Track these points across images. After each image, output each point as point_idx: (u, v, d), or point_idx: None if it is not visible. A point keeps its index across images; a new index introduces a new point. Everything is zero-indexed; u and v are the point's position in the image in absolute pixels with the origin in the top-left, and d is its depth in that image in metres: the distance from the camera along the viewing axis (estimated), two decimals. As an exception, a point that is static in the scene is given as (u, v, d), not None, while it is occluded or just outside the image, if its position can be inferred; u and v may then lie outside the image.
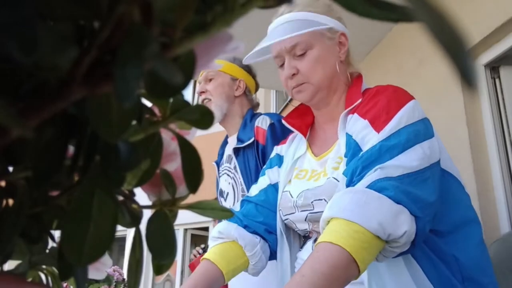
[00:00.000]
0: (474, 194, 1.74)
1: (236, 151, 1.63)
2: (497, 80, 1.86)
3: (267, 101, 5.46)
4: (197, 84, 1.79)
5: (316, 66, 1.06)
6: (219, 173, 1.76)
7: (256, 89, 1.82)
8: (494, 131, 1.79)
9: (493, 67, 1.86)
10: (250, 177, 1.57)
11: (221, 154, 1.79)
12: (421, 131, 0.90)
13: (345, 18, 1.12)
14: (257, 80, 1.82)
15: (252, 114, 1.71)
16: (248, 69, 1.75)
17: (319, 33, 1.07)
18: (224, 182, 1.70)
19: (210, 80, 1.71)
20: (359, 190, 0.83)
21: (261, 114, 1.69)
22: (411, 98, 0.96)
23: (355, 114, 0.97)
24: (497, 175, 1.75)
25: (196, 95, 1.76)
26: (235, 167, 1.64)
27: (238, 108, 1.72)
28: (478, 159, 1.81)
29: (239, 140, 1.63)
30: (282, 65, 1.11)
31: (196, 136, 0.30)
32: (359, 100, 1.00)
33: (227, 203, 1.67)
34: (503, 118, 1.80)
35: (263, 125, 1.58)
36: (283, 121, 1.19)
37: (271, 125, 1.56)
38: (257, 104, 1.81)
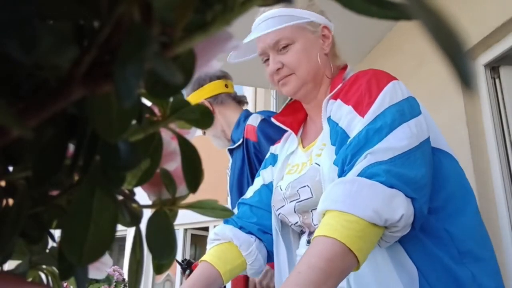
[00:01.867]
0: (474, 194, 1.74)
1: (230, 152, 1.65)
2: (497, 80, 1.86)
3: (267, 101, 5.45)
4: None
5: (301, 58, 1.08)
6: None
7: (230, 79, 1.76)
8: (494, 131, 1.79)
9: (493, 67, 1.86)
10: (233, 178, 1.58)
11: None
12: (406, 110, 0.89)
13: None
14: (226, 74, 1.75)
15: (246, 114, 1.69)
16: (214, 78, 1.70)
17: (301, 27, 1.08)
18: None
19: None
20: (350, 179, 0.82)
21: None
22: (392, 79, 0.95)
23: (338, 100, 0.97)
24: (497, 175, 1.75)
25: None
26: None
27: (232, 116, 1.70)
28: (478, 159, 1.81)
29: (232, 141, 1.65)
30: (266, 61, 1.13)
31: (196, 136, 0.30)
32: (340, 85, 1.01)
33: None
34: (503, 118, 1.80)
35: (253, 122, 1.57)
36: (273, 119, 1.20)
37: (263, 120, 1.56)
38: (243, 100, 1.77)
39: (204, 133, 1.70)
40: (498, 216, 1.72)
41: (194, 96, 1.69)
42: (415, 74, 2.20)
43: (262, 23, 1.08)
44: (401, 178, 0.80)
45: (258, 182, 1.22)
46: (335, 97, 0.99)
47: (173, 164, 0.29)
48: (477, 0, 1.79)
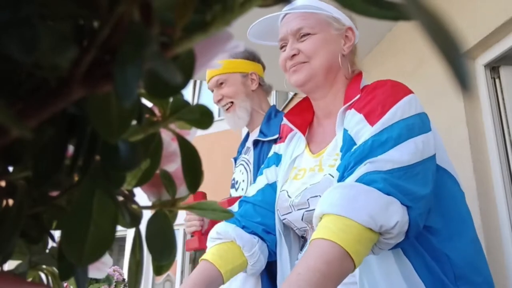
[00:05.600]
0: (474, 194, 1.74)
1: (256, 143, 1.60)
2: (497, 80, 1.86)
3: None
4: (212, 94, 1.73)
5: (318, 48, 1.07)
6: (235, 167, 1.73)
7: (264, 69, 1.76)
8: (494, 131, 1.79)
9: (493, 67, 1.86)
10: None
11: (240, 151, 1.76)
12: (416, 125, 0.90)
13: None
14: (262, 61, 1.75)
15: (275, 110, 1.67)
16: (251, 57, 1.70)
17: (326, 22, 1.09)
18: (238, 172, 1.67)
19: (221, 84, 1.66)
20: (348, 184, 0.83)
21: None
22: (409, 92, 0.96)
23: (352, 109, 0.98)
24: (497, 175, 1.75)
25: (214, 103, 1.69)
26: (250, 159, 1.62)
27: (258, 102, 1.68)
28: (478, 159, 1.81)
29: (262, 132, 1.60)
30: (283, 47, 1.13)
31: (196, 136, 0.30)
32: (358, 96, 1.00)
33: (237, 193, 1.64)
34: (503, 118, 1.80)
35: None
36: (284, 118, 1.18)
37: None
38: (271, 88, 1.77)
39: (232, 103, 1.64)
40: (498, 216, 1.72)
41: (240, 64, 1.66)
42: (414, 75, 2.20)
43: (292, 9, 1.09)
44: (398, 187, 0.82)
45: (261, 181, 1.21)
46: (350, 107, 0.99)
47: (173, 165, 0.29)
48: (477, 0, 1.79)
